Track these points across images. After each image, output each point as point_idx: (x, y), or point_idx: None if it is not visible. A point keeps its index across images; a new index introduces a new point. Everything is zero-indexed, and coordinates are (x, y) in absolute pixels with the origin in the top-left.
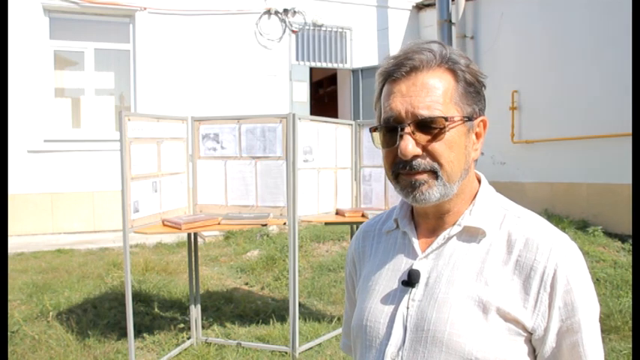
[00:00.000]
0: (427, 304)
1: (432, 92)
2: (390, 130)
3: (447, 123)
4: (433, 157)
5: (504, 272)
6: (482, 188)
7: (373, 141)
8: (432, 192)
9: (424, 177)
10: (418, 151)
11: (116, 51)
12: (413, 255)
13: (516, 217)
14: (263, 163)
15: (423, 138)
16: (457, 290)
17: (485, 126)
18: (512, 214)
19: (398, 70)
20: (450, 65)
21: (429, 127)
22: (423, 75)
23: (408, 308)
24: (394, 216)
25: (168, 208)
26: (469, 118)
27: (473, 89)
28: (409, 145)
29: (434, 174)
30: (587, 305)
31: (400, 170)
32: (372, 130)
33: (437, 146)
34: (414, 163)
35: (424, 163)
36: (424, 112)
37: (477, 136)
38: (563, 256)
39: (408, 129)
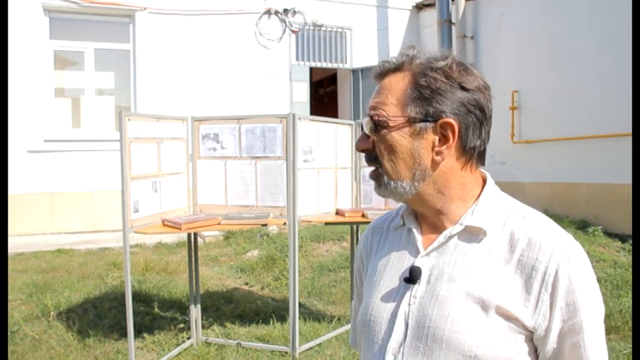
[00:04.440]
0: (428, 301)
1: (383, 93)
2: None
3: (387, 122)
4: (377, 154)
5: (506, 271)
6: (486, 188)
7: None
8: (381, 189)
9: (373, 173)
10: (367, 146)
11: (116, 51)
12: (415, 252)
13: (521, 216)
14: (263, 163)
15: (371, 135)
16: (458, 288)
17: (452, 129)
18: (517, 213)
19: (377, 70)
20: (412, 68)
21: (375, 125)
22: (386, 78)
23: (409, 305)
24: (401, 212)
25: (168, 208)
26: (421, 120)
27: (429, 91)
28: (360, 140)
29: (379, 171)
30: (590, 306)
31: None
32: None
33: (379, 145)
34: (366, 156)
35: (370, 158)
36: (371, 112)
37: (444, 139)
38: (565, 256)
39: (364, 125)
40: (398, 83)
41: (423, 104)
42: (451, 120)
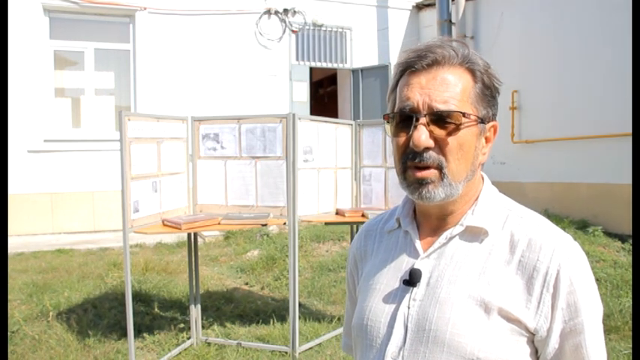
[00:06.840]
0: (428, 303)
1: (451, 88)
2: (404, 119)
3: (463, 120)
4: (443, 152)
5: (507, 272)
6: (485, 188)
7: (386, 130)
8: (438, 191)
9: (431, 175)
10: (431, 143)
11: (116, 51)
12: (415, 254)
13: (519, 217)
14: (263, 163)
15: (436, 131)
16: (459, 290)
17: (495, 131)
18: (515, 214)
19: (419, 61)
20: (469, 65)
21: (444, 121)
22: (444, 70)
23: (409, 308)
24: (396, 215)
25: (168, 208)
26: (482, 121)
27: (489, 93)
28: (422, 135)
29: (440, 171)
30: (591, 306)
31: (409, 162)
32: (386, 117)
33: (449, 141)
34: (424, 155)
35: (434, 156)
36: (441, 106)
37: (487, 140)
38: (566, 257)
39: (423, 120)
40: (461, 79)
41: (485, 105)
42: (496, 122)
